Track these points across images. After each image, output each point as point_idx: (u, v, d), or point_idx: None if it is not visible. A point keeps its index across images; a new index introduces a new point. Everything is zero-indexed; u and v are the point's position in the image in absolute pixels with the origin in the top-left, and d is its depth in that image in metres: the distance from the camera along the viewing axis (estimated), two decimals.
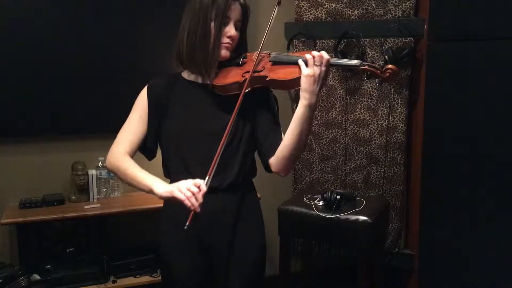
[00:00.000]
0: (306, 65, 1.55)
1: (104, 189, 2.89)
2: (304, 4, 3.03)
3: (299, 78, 1.57)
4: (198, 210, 1.50)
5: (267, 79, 1.62)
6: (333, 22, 3.01)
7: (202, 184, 1.53)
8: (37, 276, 2.64)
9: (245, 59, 1.72)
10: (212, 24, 1.63)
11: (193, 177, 1.59)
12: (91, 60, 2.83)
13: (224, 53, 1.68)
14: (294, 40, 3.05)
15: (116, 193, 2.92)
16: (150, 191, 1.61)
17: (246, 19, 1.72)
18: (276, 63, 1.66)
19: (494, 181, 2.20)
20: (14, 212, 2.68)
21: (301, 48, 3.05)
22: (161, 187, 1.59)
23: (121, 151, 1.70)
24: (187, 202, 1.50)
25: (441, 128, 2.49)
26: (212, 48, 1.64)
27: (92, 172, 2.83)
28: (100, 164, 2.85)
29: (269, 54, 1.71)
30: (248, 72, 1.65)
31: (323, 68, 1.54)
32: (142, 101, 1.74)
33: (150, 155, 1.80)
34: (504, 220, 2.17)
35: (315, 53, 1.55)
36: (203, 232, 1.71)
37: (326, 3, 3.01)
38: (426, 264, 2.65)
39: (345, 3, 2.99)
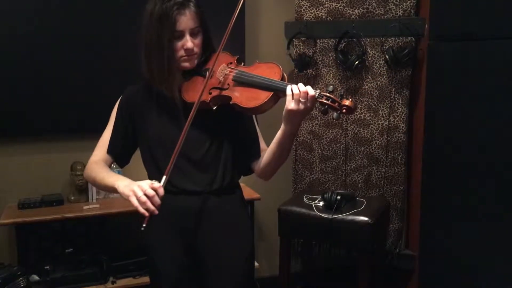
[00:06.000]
0: (291, 95, 1.48)
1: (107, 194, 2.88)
2: (305, 3, 3.01)
3: (261, 106, 1.54)
4: (156, 213, 1.48)
5: (231, 102, 1.59)
6: (333, 22, 3.00)
7: (159, 189, 1.50)
8: (36, 277, 2.63)
9: (211, 72, 1.66)
10: (165, 41, 1.58)
11: (173, 184, 1.65)
12: (91, 60, 2.82)
13: (187, 65, 1.65)
14: (294, 40, 3.03)
15: (115, 194, 2.90)
16: (115, 191, 1.62)
17: (203, 21, 1.65)
18: (238, 83, 1.61)
19: (495, 181, 2.19)
20: (13, 213, 2.67)
21: (301, 48, 3.04)
22: (120, 187, 1.57)
23: (95, 161, 1.75)
24: (140, 209, 1.48)
25: (442, 128, 2.48)
26: (167, 67, 1.61)
27: None
28: None
29: (236, 66, 1.65)
30: (215, 88, 1.61)
31: (309, 105, 1.48)
32: (117, 110, 1.78)
33: (122, 162, 1.82)
34: (506, 221, 2.16)
35: (300, 87, 1.47)
36: (189, 232, 1.72)
37: (326, 2, 2.99)
38: (426, 265, 2.64)
39: (346, 2, 2.98)
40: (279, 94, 1.54)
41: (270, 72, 1.59)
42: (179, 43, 1.61)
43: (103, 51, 2.83)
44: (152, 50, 1.61)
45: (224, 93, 1.61)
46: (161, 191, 1.50)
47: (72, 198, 2.83)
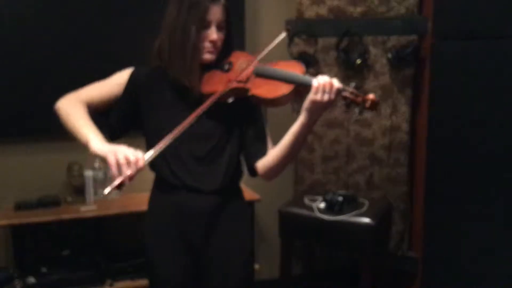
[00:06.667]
0: (315, 86, 1.49)
1: (101, 190, 2.85)
2: (306, 1, 2.98)
3: (281, 97, 1.53)
4: (128, 182, 1.39)
5: (249, 93, 1.58)
6: (335, 20, 2.96)
7: (141, 159, 1.42)
8: (32, 279, 2.62)
9: (230, 66, 1.67)
10: (193, 28, 1.58)
11: (175, 175, 1.64)
12: (88, 60, 2.80)
13: (209, 57, 1.64)
14: (295, 38, 3.00)
15: (112, 195, 2.88)
16: (86, 144, 1.52)
17: (229, 18, 1.66)
18: (259, 75, 1.60)
19: (499, 181, 2.17)
20: (9, 214, 2.66)
21: (302, 46, 3.00)
22: (98, 144, 1.49)
23: (77, 98, 1.67)
24: (114, 169, 1.40)
25: (445, 128, 2.46)
26: (191, 54, 1.60)
27: (89, 173, 2.79)
28: (97, 165, 2.82)
29: (257, 62, 1.65)
30: (234, 81, 1.60)
31: (332, 96, 1.49)
32: (123, 77, 1.72)
33: (111, 135, 1.72)
34: (509, 223, 2.14)
35: (325, 78, 1.48)
36: (188, 233, 1.70)
37: (328, 0, 2.96)
38: (430, 267, 2.62)
39: (347, 0, 2.94)
40: (300, 87, 1.54)
41: (293, 68, 1.58)
42: (204, 34, 1.61)
43: (102, 51, 2.81)
44: (177, 36, 1.60)
45: (243, 85, 1.60)
46: (141, 163, 1.42)
47: (69, 199, 2.81)
